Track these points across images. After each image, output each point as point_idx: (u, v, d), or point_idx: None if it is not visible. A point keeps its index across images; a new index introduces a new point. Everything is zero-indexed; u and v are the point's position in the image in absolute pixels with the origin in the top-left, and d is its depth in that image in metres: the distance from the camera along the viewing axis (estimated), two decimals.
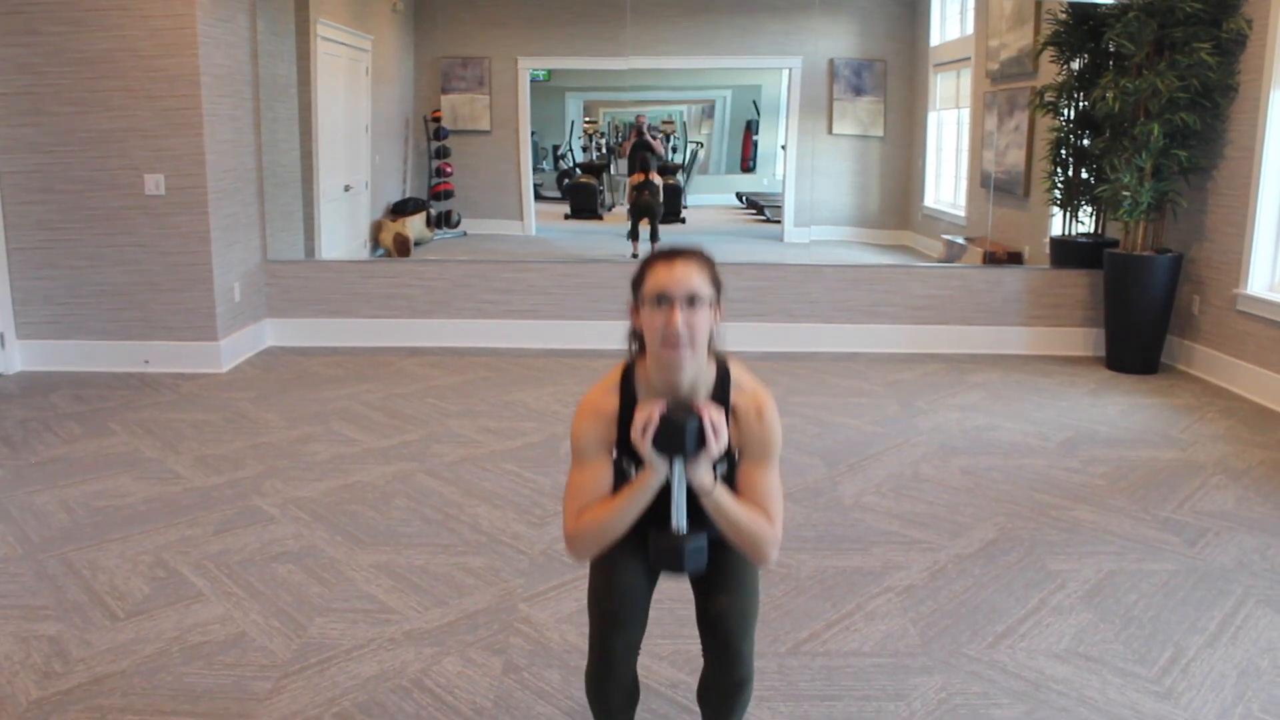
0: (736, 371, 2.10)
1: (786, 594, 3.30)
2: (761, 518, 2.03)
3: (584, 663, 2.84)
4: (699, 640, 2.24)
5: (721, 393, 2.06)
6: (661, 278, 1.96)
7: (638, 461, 2.04)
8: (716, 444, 1.92)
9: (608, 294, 6.76)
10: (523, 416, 5.24)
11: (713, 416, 1.93)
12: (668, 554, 2.02)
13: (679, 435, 1.92)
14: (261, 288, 6.72)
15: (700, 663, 2.81)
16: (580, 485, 2.06)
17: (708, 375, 2.06)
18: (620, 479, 2.12)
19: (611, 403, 2.08)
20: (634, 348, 2.13)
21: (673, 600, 3.22)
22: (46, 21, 5.68)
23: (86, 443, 4.77)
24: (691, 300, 1.94)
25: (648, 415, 1.92)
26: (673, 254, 1.99)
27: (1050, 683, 2.79)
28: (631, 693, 2.25)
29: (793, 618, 3.15)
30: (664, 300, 1.94)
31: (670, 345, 1.95)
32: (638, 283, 2.02)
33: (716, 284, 2.03)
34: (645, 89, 7.66)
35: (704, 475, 1.96)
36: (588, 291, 6.78)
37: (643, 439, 1.92)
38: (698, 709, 2.61)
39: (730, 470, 2.10)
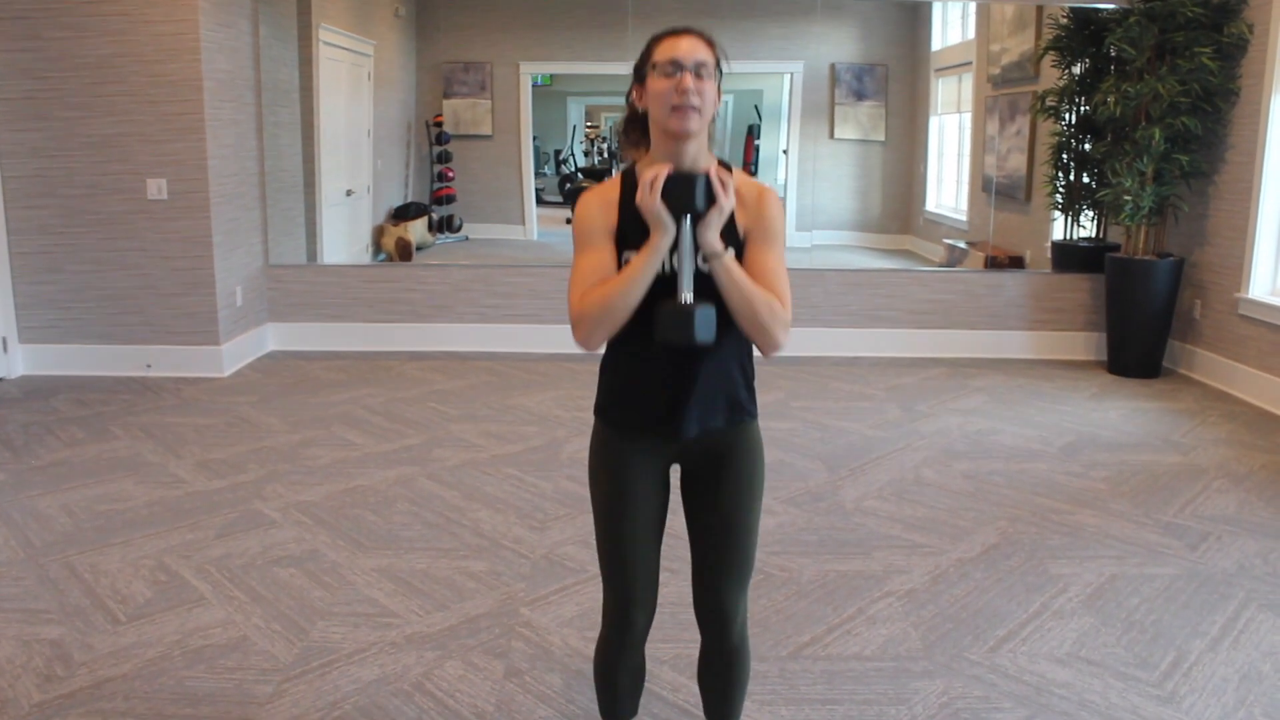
0: (738, 171, 2.09)
1: (788, 598, 3.30)
2: (769, 294, 1.98)
3: (587, 666, 2.85)
4: (697, 640, 2.24)
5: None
6: (671, 47, 1.97)
7: (639, 246, 1.99)
8: (725, 199, 1.91)
9: None
10: (524, 421, 5.24)
11: (720, 175, 1.92)
12: (676, 322, 1.91)
13: (689, 188, 1.89)
14: (263, 292, 6.73)
15: None
16: (585, 269, 2.01)
17: (709, 160, 2.04)
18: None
19: (614, 191, 2.06)
20: (621, 132, 2.12)
21: (674, 604, 3.22)
22: (50, 27, 5.69)
23: (88, 447, 4.77)
24: (700, 70, 1.95)
25: (654, 173, 1.90)
26: (680, 30, 2.00)
27: (1052, 687, 2.79)
28: (638, 677, 2.28)
29: (794, 622, 3.15)
30: (675, 67, 1.95)
31: (681, 110, 1.94)
32: (643, 60, 2.03)
33: (719, 64, 2.03)
34: None
35: (714, 237, 1.93)
36: None
37: (651, 194, 1.89)
38: (701, 714, 2.62)
39: (736, 255, 2.03)
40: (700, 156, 2.02)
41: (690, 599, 2.95)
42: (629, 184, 2.04)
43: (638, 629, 2.18)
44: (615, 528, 2.12)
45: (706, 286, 1.96)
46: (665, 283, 1.96)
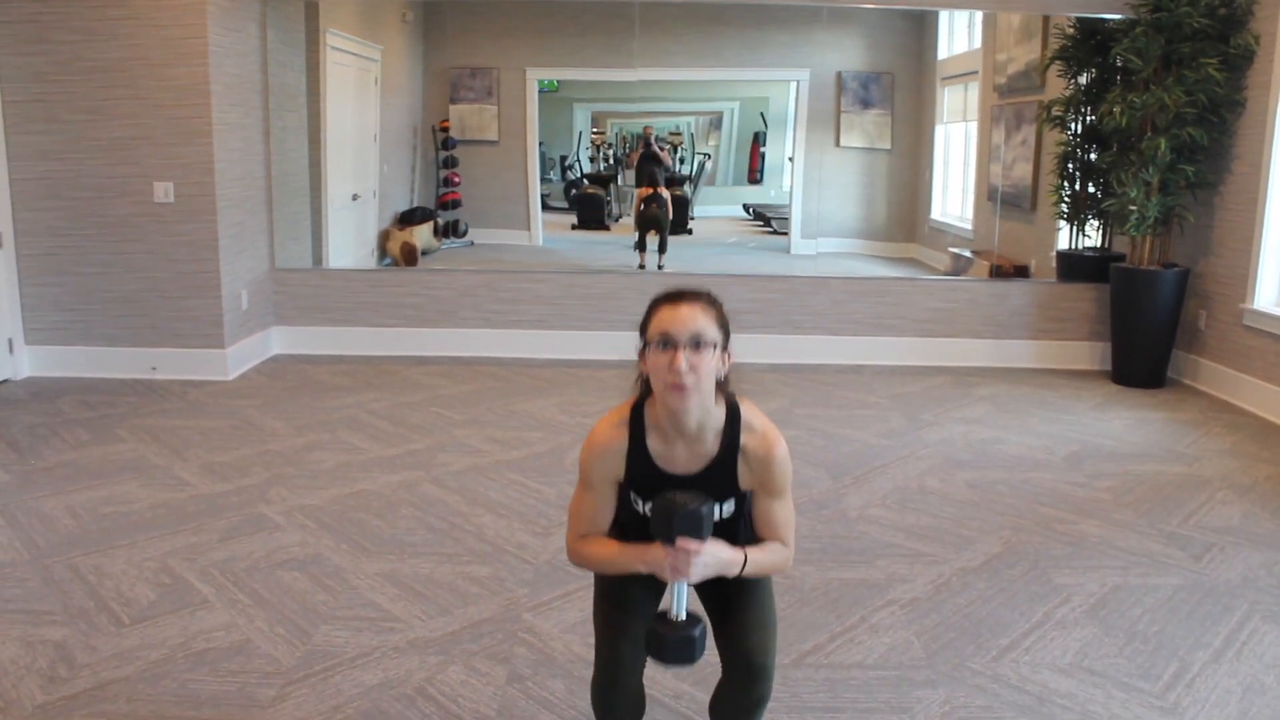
0: (747, 412, 2.08)
1: (791, 606, 3.30)
2: (779, 550, 2.10)
3: (588, 673, 2.85)
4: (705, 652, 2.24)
5: (730, 433, 2.05)
6: (666, 320, 1.95)
7: (643, 496, 2.07)
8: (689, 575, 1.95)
9: (614, 304, 6.77)
10: (529, 426, 5.25)
11: (684, 553, 1.94)
12: (671, 647, 1.99)
13: (695, 525, 1.94)
14: (269, 296, 6.74)
15: (708, 673, 2.82)
16: (583, 511, 2.12)
17: (716, 416, 2.05)
18: (625, 508, 2.15)
19: (621, 439, 2.07)
20: (640, 390, 2.12)
21: None
22: (58, 30, 5.71)
23: (94, 449, 4.78)
24: (696, 343, 1.93)
25: (672, 561, 1.94)
26: (678, 296, 1.98)
27: (1054, 697, 2.79)
28: (637, 704, 2.26)
29: (797, 630, 3.15)
30: (668, 343, 1.93)
31: (674, 389, 1.93)
32: (644, 326, 2.02)
33: (724, 327, 2.01)
34: (653, 100, 7.68)
35: (725, 554, 2.00)
36: (594, 302, 6.79)
37: (672, 572, 1.96)
38: (706, 719, 2.62)
39: (738, 507, 2.12)
40: (706, 419, 2.03)
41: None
42: (637, 436, 2.06)
43: (625, 664, 2.16)
44: (613, 617, 2.17)
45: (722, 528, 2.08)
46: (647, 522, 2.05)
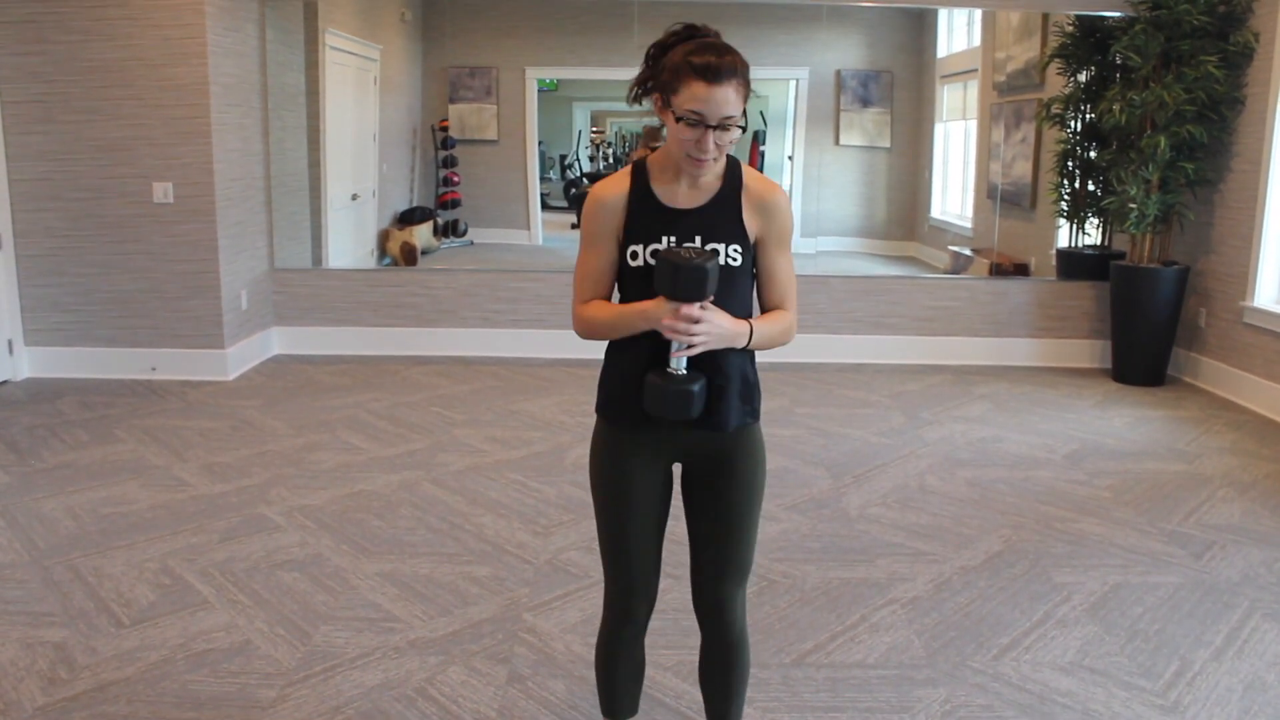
0: (745, 167, 2.10)
1: (791, 605, 3.30)
2: (782, 318, 2.08)
3: (589, 673, 2.84)
4: (698, 647, 2.24)
5: (733, 176, 2.06)
6: (701, 97, 1.89)
7: (645, 241, 2.02)
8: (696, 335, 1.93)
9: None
10: (528, 426, 5.25)
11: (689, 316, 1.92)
12: (669, 399, 1.97)
13: (698, 283, 1.90)
14: (269, 296, 6.74)
15: None
16: (586, 271, 2.08)
17: (718, 165, 2.05)
18: (627, 277, 2.08)
19: (622, 185, 2.06)
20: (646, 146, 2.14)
21: (676, 610, 3.22)
22: (57, 30, 5.71)
23: (93, 449, 4.78)
24: (724, 122, 1.92)
25: (688, 316, 1.91)
26: (715, 73, 1.88)
27: (1055, 695, 2.79)
28: (638, 669, 2.30)
29: (797, 629, 3.15)
30: (699, 120, 1.91)
31: (697, 161, 1.95)
32: (671, 83, 1.93)
33: (747, 95, 1.97)
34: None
35: (729, 325, 1.97)
36: None
37: (676, 331, 1.92)
38: (703, 719, 2.62)
39: (744, 258, 2.06)
40: (714, 170, 2.05)
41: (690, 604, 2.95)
42: (639, 180, 2.06)
43: (638, 620, 2.21)
44: (616, 525, 2.14)
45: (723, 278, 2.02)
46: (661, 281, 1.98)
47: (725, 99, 1.89)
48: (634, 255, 2.03)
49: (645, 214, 2.03)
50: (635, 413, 2.06)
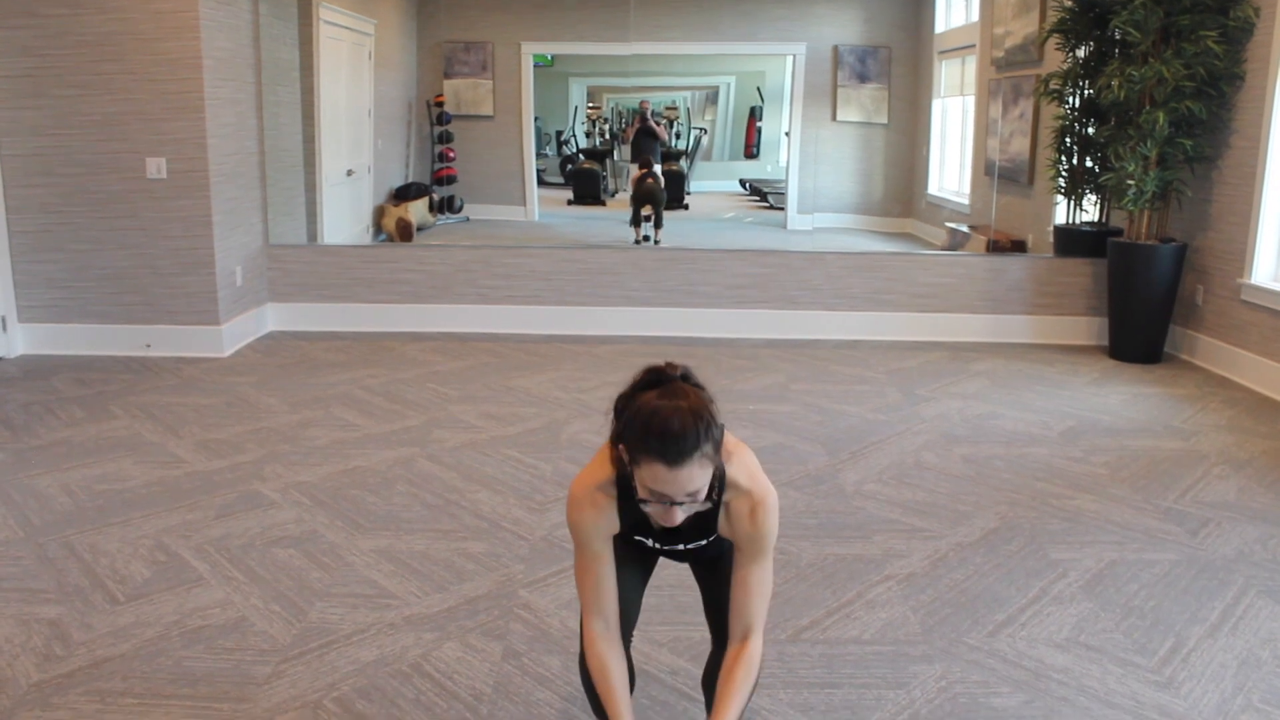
0: (734, 471, 1.97)
1: (787, 581, 3.30)
2: (748, 669, 2.02)
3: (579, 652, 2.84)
4: (699, 627, 2.24)
5: (715, 496, 1.96)
6: (661, 480, 1.79)
7: (645, 535, 2.08)
8: None
9: (610, 280, 6.74)
10: (524, 402, 5.24)
11: None
12: None
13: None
14: (263, 272, 6.71)
15: (702, 647, 2.82)
16: (588, 581, 2.05)
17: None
18: (623, 552, 2.14)
19: (608, 495, 2.01)
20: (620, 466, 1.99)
21: (673, 587, 3.22)
22: (47, 4, 5.66)
23: (88, 426, 4.77)
24: (690, 498, 1.83)
25: None
26: (674, 455, 1.77)
27: (1050, 672, 2.79)
28: (625, 677, 2.25)
29: (793, 605, 3.15)
30: (663, 499, 1.83)
31: (667, 524, 1.89)
32: (632, 452, 1.83)
33: (717, 454, 1.85)
34: (649, 74, 7.63)
35: None
36: (590, 277, 6.77)
37: None
38: (699, 695, 2.62)
39: (719, 554, 2.11)
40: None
41: (687, 582, 2.95)
42: (624, 490, 1.99)
43: (619, 642, 2.15)
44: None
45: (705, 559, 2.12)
46: (651, 558, 2.06)
47: (689, 478, 1.78)
48: (631, 539, 2.11)
49: (636, 517, 2.03)
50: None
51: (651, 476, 1.79)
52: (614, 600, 2.07)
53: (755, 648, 2.03)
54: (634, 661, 2.33)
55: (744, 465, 1.99)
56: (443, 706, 2.59)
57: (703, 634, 2.92)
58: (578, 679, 2.72)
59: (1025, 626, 3.04)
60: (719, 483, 1.93)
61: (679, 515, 1.84)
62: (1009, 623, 3.06)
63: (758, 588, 2.04)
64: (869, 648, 2.91)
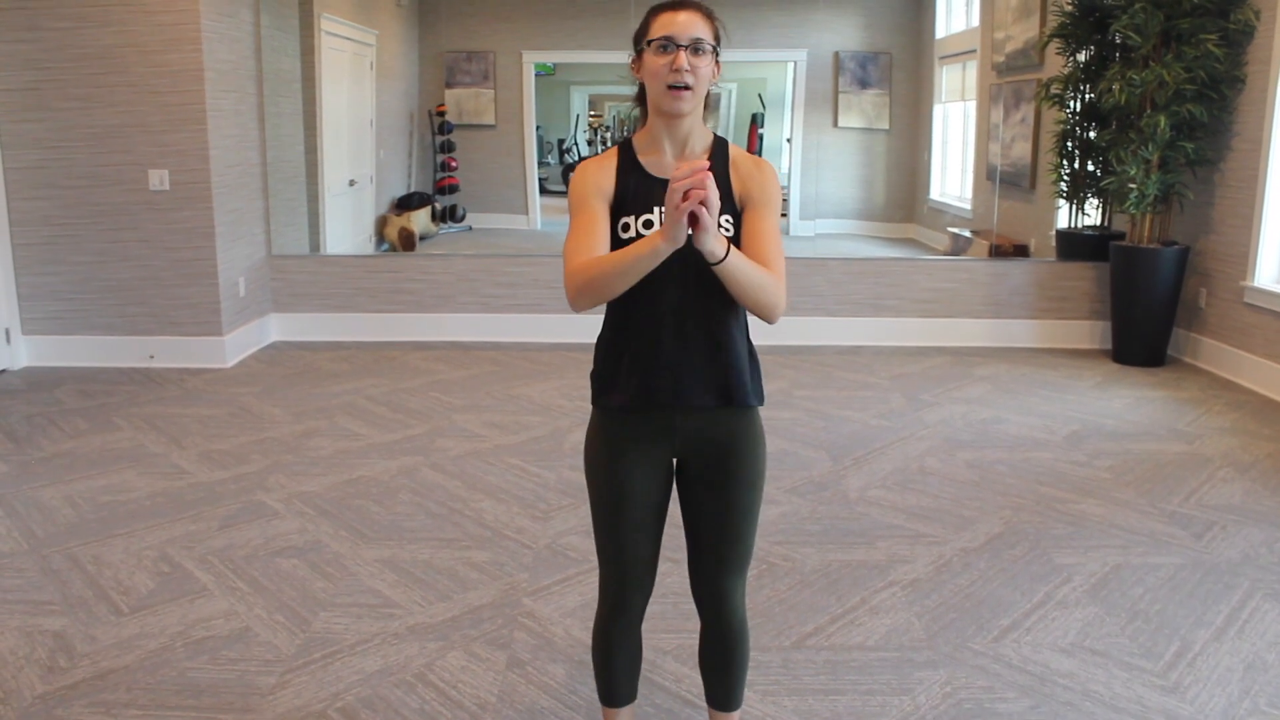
0: (733, 145, 2.11)
1: (791, 588, 3.30)
2: (769, 274, 1.94)
3: (588, 657, 2.84)
4: (698, 631, 2.24)
5: (720, 151, 2.06)
6: (667, 23, 1.97)
7: (636, 212, 2.00)
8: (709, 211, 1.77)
9: None
10: (527, 411, 5.24)
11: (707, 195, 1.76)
12: None
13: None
14: (266, 283, 6.72)
15: None
16: (580, 232, 1.98)
17: (704, 135, 2.06)
18: (617, 242, 2.03)
19: (609, 159, 2.07)
20: (635, 114, 2.14)
21: (676, 594, 3.21)
22: (50, 17, 5.67)
23: (92, 438, 4.78)
24: (695, 46, 1.96)
25: (693, 168, 1.73)
26: (677, 4, 2.00)
27: (1056, 677, 2.78)
28: (635, 656, 2.27)
29: (797, 612, 3.14)
30: (669, 45, 1.95)
31: (673, 91, 1.96)
32: (641, 32, 2.02)
33: (718, 37, 2.03)
34: None
35: (714, 243, 1.81)
36: None
37: (680, 196, 1.73)
38: (703, 705, 2.62)
39: (736, 228, 2.04)
40: (695, 133, 2.04)
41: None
42: (626, 155, 2.06)
43: (634, 610, 2.18)
44: (611, 519, 2.10)
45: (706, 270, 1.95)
46: (667, 265, 1.90)
47: (691, 22, 1.96)
48: (625, 227, 2.00)
49: (634, 185, 2.02)
50: (632, 398, 2.04)
51: (659, 25, 1.97)
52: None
53: (781, 281, 1.98)
54: (641, 645, 2.31)
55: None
56: (447, 716, 2.59)
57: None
58: (583, 688, 2.71)
59: (1030, 631, 3.03)
60: (721, 143, 2.07)
61: (684, 62, 1.93)
62: (1014, 628, 3.05)
63: (769, 235, 2.01)
64: (873, 654, 2.90)
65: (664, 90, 1.96)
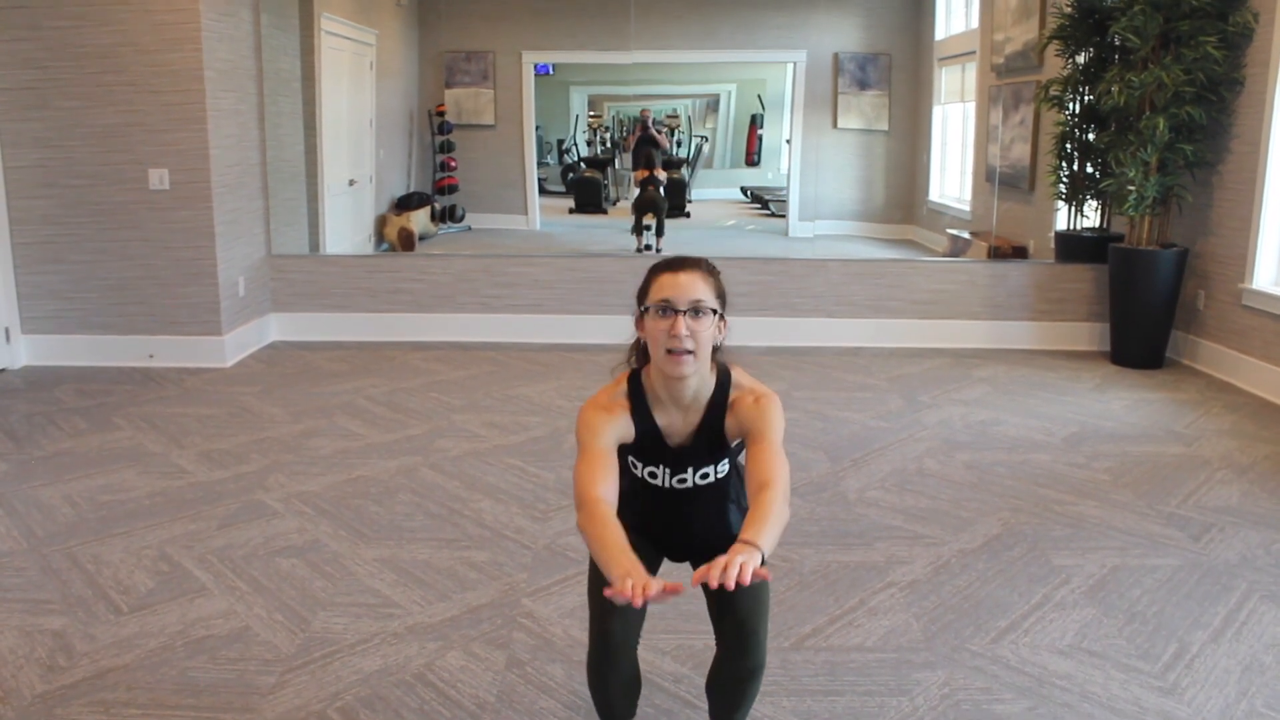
0: (737, 374, 2.12)
1: (790, 589, 3.30)
2: (775, 505, 1.88)
3: (586, 656, 2.84)
4: (702, 635, 2.24)
5: (721, 396, 2.08)
6: (666, 286, 1.98)
7: (645, 462, 2.08)
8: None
9: (612, 288, 6.75)
10: (527, 411, 5.24)
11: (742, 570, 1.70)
12: None
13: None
14: (266, 282, 6.72)
15: (706, 655, 2.82)
16: (594, 464, 1.95)
17: (709, 384, 2.08)
18: (625, 475, 2.12)
19: (623, 406, 2.08)
20: (635, 360, 2.16)
21: (677, 596, 3.21)
22: (50, 16, 5.68)
23: (91, 437, 4.78)
24: (695, 310, 1.96)
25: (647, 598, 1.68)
26: (678, 264, 2.01)
27: (1054, 678, 2.79)
28: (632, 684, 2.26)
29: (796, 613, 3.15)
30: (668, 309, 1.96)
31: (673, 355, 1.96)
32: (643, 293, 2.04)
33: (721, 296, 2.04)
34: (650, 83, 7.65)
35: (741, 557, 1.69)
36: (592, 286, 6.78)
37: (636, 592, 1.68)
38: (702, 704, 2.62)
39: (731, 465, 2.13)
40: (701, 388, 2.07)
41: (696, 591, 2.95)
42: (639, 405, 2.08)
43: (615, 640, 2.14)
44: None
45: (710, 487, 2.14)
46: (668, 500, 2.09)
47: (691, 284, 1.97)
48: (634, 465, 2.11)
49: (649, 443, 2.08)
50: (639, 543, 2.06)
51: (658, 288, 2.00)
52: (614, 488, 1.96)
53: (778, 491, 1.90)
54: (639, 672, 2.31)
55: (744, 373, 2.15)
56: (446, 716, 2.59)
57: (706, 641, 2.92)
58: (581, 687, 2.72)
59: (1028, 633, 3.03)
60: (724, 384, 2.08)
61: (683, 328, 1.95)
62: (1012, 629, 3.06)
63: (774, 461, 1.96)
64: (872, 655, 2.91)
65: (664, 355, 1.97)
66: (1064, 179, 6.82)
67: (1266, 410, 5.37)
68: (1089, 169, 6.72)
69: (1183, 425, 5.10)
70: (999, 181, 7.12)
